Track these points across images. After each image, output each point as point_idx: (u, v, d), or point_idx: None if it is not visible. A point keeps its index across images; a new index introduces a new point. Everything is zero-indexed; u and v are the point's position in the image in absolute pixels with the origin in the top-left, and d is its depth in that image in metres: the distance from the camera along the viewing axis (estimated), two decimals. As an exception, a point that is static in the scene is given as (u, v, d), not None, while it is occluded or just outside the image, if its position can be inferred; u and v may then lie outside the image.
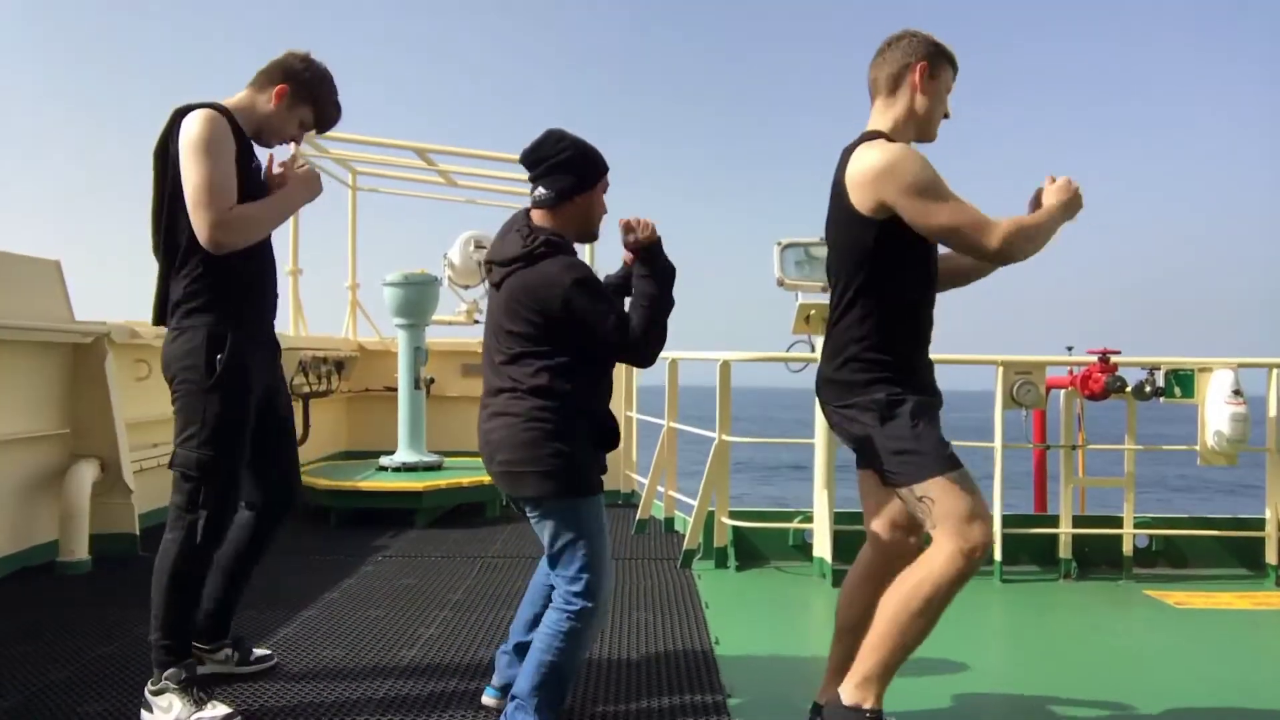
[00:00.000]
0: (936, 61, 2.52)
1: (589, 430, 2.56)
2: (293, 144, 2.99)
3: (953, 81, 2.58)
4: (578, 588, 2.51)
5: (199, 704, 2.67)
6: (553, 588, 2.62)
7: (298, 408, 6.51)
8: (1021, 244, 2.36)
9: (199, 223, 2.61)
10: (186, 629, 2.77)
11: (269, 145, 2.91)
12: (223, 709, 2.68)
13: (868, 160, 2.41)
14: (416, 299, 6.51)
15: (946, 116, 2.59)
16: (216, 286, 2.72)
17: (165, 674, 2.68)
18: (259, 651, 3.16)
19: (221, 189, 2.62)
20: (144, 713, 2.71)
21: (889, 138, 2.49)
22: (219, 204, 2.61)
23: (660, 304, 2.56)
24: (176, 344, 2.73)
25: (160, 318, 2.82)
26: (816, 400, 2.74)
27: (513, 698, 2.55)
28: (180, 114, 2.71)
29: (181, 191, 2.66)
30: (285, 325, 7.81)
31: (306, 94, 2.90)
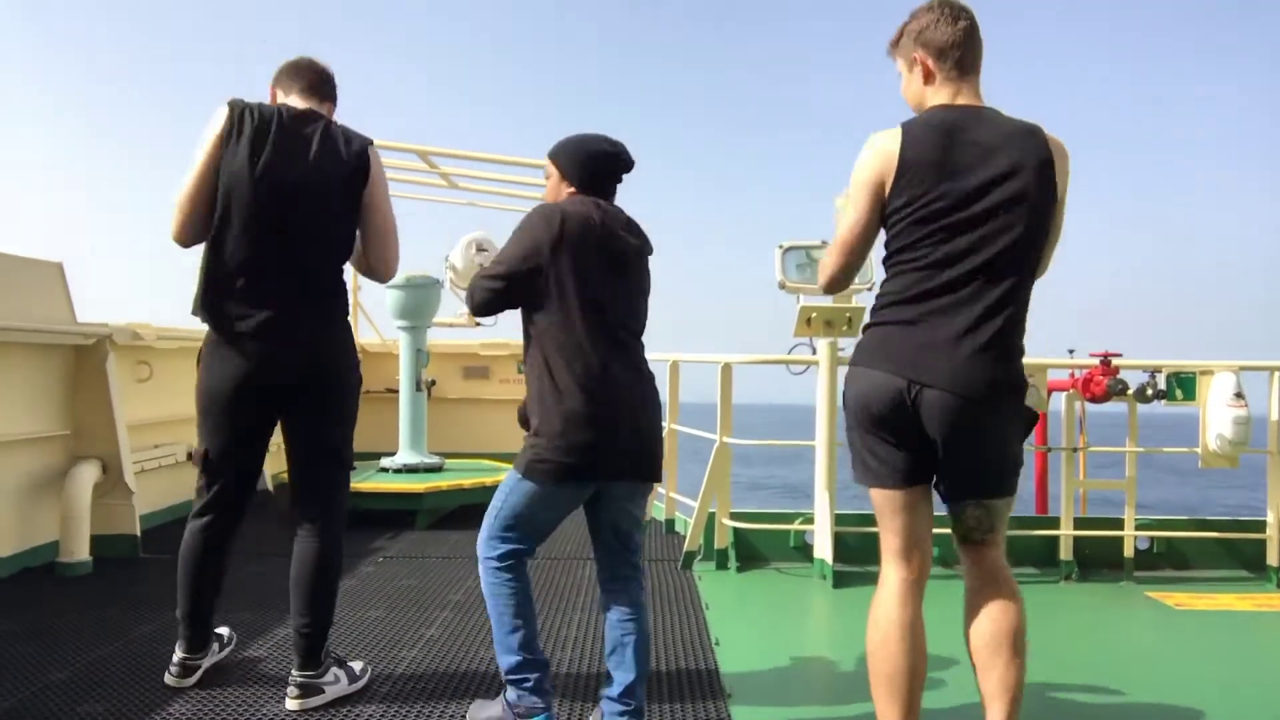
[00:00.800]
0: None
1: None
2: None
3: None
4: (641, 556, 2.70)
5: (341, 664, 2.96)
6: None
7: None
8: None
9: (394, 257, 2.88)
10: None
11: None
12: (358, 662, 3.07)
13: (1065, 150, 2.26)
14: (418, 301, 6.52)
15: None
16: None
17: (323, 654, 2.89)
18: (218, 631, 3.18)
19: None
20: (304, 699, 2.80)
21: None
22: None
23: None
24: (345, 343, 2.90)
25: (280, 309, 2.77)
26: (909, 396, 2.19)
27: (628, 698, 2.53)
28: (368, 142, 2.83)
29: (355, 204, 2.80)
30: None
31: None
